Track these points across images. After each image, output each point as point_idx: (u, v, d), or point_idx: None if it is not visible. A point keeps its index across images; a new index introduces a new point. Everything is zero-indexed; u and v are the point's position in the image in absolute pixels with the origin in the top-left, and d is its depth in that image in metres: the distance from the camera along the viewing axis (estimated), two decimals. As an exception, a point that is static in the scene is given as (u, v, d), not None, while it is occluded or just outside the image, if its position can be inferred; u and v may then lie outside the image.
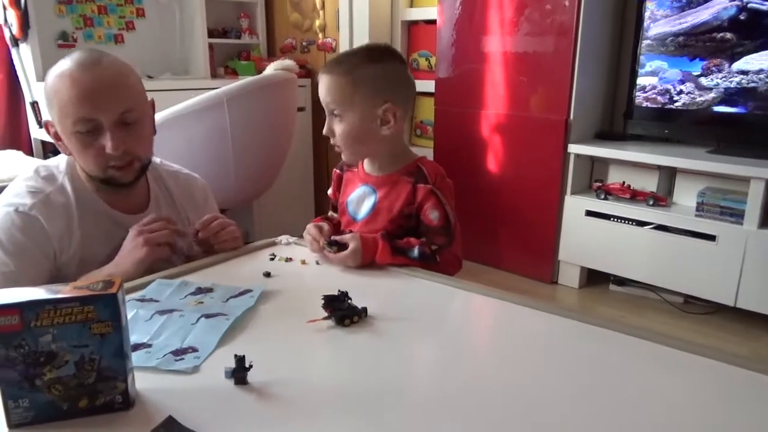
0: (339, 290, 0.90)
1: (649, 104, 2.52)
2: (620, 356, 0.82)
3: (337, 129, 1.18)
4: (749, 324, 2.30)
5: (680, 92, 2.42)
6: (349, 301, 0.90)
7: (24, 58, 2.97)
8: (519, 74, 2.69)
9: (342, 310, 0.88)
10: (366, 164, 1.28)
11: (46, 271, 1.11)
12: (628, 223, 2.47)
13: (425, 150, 3.04)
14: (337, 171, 1.36)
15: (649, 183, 2.54)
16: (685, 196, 2.47)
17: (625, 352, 0.83)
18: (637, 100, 2.55)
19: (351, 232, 1.19)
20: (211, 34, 3.62)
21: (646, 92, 2.52)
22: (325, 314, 0.88)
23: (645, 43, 2.49)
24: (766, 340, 2.24)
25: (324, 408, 0.69)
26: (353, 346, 0.84)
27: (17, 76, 3.04)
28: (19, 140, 3.13)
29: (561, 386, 0.74)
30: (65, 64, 1.08)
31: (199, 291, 0.99)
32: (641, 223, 2.44)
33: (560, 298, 2.67)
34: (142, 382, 0.70)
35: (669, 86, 2.45)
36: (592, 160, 2.69)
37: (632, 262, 2.51)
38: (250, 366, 0.72)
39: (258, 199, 3.14)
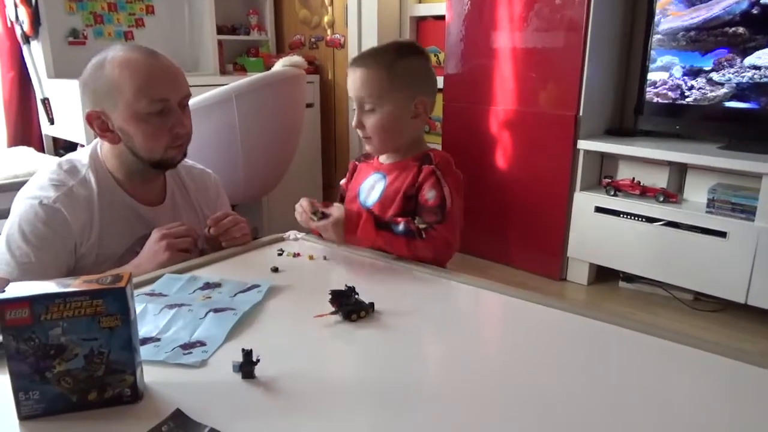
0: (346, 285, 0.90)
1: (659, 100, 2.50)
2: (630, 353, 0.82)
3: (369, 121, 1.21)
4: (760, 321, 2.28)
5: (691, 87, 2.40)
6: (356, 296, 0.90)
7: (35, 55, 2.99)
8: (528, 70, 2.68)
9: (349, 305, 0.88)
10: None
11: (64, 264, 1.14)
12: (638, 220, 2.45)
13: (433, 146, 3.00)
14: (355, 162, 1.40)
15: (659, 179, 2.51)
16: (696, 192, 2.45)
17: (635, 349, 0.82)
18: (647, 96, 2.53)
19: None
20: (220, 30, 3.64)
21: (656, 87, 2.50)
22: (333, 309, 0.88)
23: (656, 37, 2.46)
24: (776, 338, 2.22)
25: (331, 402, 0.69)
26: (360, 341, 0.85)
27: (28, 74, 3.06)
28: (30, 137, 3.17)
29: (569, 382, 0.74)
30: (122, 55, 1.12)
31: (208, 286, 1.00)
32: (651, 220, 2.42)
33: (569, 294, 2.66)
34: (150, 375, 0.71)
35: (680, 81, 2.42)
36: (602, 156, 2.67)
37: (642, 259, 2.49)
38: (258, 360, 0.73)
39: (267, 195, 3.15)
